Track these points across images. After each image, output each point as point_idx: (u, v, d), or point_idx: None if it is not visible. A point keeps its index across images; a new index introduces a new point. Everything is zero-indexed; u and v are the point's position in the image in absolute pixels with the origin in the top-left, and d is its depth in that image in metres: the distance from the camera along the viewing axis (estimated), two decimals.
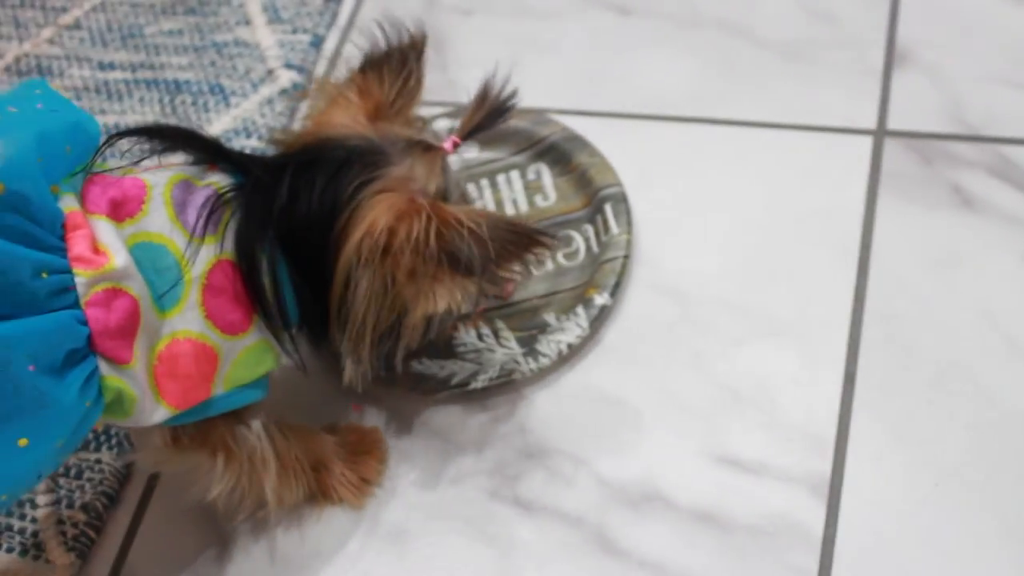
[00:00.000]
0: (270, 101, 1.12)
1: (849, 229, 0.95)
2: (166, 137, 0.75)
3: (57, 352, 0.66)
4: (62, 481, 0.90)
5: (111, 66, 1.18)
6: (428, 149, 0.77)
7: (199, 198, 0.73)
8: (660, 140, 1.03)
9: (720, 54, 1.08)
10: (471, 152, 1.03)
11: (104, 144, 0.73)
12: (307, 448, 0.84)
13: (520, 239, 0.73)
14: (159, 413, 0.72)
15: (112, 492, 0.90)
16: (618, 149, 1.00)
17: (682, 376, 0.89)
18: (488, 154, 1.03)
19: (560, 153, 1.01)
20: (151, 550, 0.88)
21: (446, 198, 0.76)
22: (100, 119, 1.12)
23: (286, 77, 1.14)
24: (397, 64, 0.80)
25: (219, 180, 0.74)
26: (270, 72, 1.14)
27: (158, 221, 0.71)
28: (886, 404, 0.86)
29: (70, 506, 0.89)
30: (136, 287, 0.69)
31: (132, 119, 1.13)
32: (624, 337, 0.92)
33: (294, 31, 1.17)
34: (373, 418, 0.91)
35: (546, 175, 1.01)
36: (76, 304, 0.67)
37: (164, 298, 0.71)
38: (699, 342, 0.91)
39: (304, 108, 0.84)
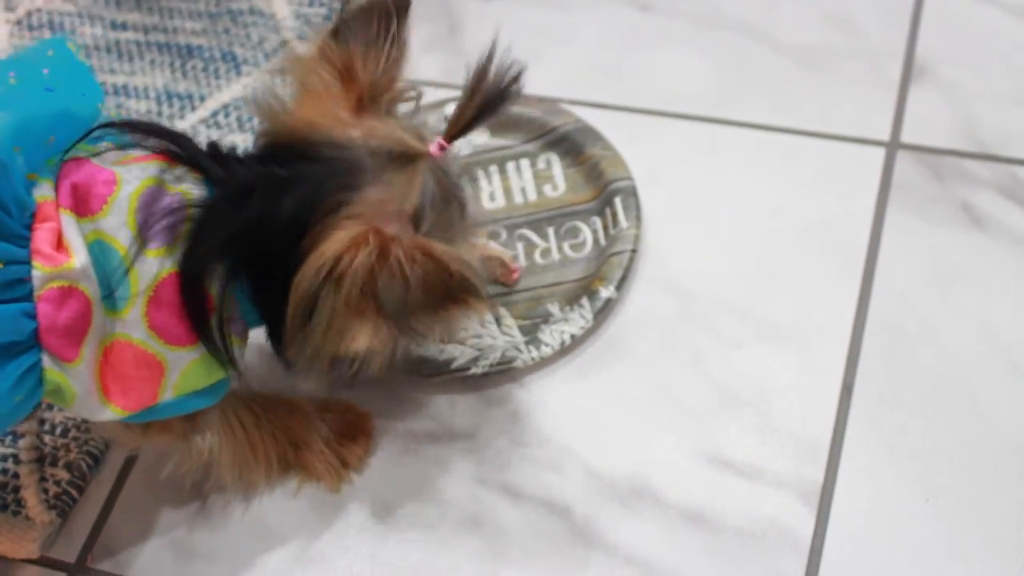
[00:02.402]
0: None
1: (856, 239, 0.94)
2: (152, 135, 0.72)
3: None
4: (47, 439, 0.89)
5: (123, 26, 1.17)
6: (410, 160, 0.70)
7: (163, 205, 0.70)
8: (672, 137, 1.03)
9: (737, 56, 1.08)
10: (481, 138, 1.02)
11: (86, 135, 0.71)
12: (287, 424, 0.83)
13: (449, 292, 0.67)
14: (106, 413, 0.71)
15: (97, 452, 0.89)
16: (630, 144, 1.00)
17: (681, 375, 0.89)
18: (498, 141, 1.02)
19: (572, 144, 1.00)
20: (133, 514, 0.87)
21: (419, 216, 0.70)
22: (109, 79, 1.12)
23: (300, 49, 1.12)
24: (378, 25, 0.72)
25: (191, 189, 0.71)
26: (284, 43, 1.13)
27: (114, 223, 0.69)
28: (882, 416, 0.85)
29: (53, 464, 0.88)
30: (91, 288, 0.68)
31: (141, 81, 1.12)
32: (625, 332, 0.91)
33: (310, 3, 1.16)
34: (367, 396, 0.90)
35: (556, 165, 1.00)
36: (29, 297, 0.66)
37: (112, 299, 0.69)
38: (700, 342, 0.90)
39: (279, 85, 0.75)
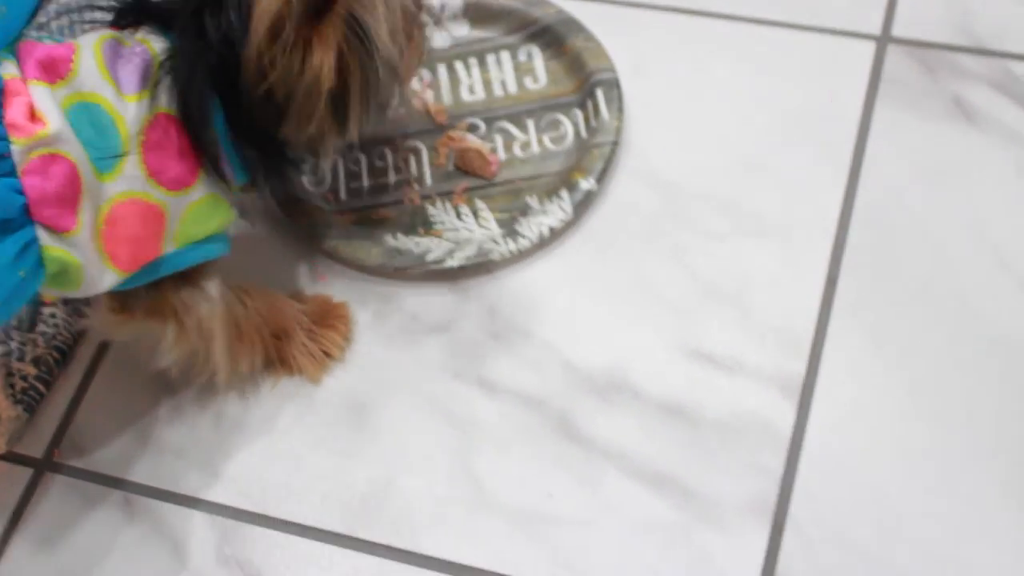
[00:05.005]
0: None
1: (844, 134, 0.92)
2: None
3: None
4: (14, 333, 0.87)
5: None
6: None
7: (131, 55, 0.70)
8: (657, 30, 1.00)
9: None
10: (462, 30, 0.99)
11: (37, 10, 0.69)
12: (269, 314, 0.82)
13: None
14: (108, 278, 0.70)
15: (65, 347, 0.88)
16: (613, 37, 0.97)
17: (661, 268, 0.87)
18: (479, 33, 0.99)
19: (553, 36, 0.97)
20: (101, 409, 0.86)
21: None
22: None
23: None
24: None
25: (148, 37, 0.71)
26: None
27: (90, 79, 0.68)
28: (867, 311, 0.84)
29: (20, 358, 0.86)
30: (74, 151, 0.66)
31: None
32: (605, 225, 0.89)
33: None
34: (342, 290, 0.88)
35: (538, 57, 0.97)
36: (12, 172, 0.64)
37: (103, 160, 0.68)
38: (682, 235, 0.88)
39: None
